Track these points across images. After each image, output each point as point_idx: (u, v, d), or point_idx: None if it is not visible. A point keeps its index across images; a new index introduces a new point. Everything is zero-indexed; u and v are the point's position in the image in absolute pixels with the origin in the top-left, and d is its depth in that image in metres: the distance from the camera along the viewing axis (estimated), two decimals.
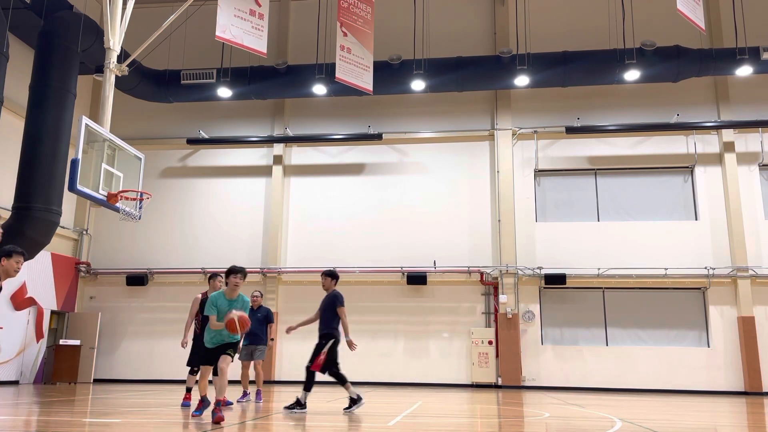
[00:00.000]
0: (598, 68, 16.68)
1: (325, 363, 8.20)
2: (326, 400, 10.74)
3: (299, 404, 8.04)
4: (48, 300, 17.15)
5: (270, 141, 19.05)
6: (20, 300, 16.13)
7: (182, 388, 14.41)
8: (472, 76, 17.20)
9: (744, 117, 17.55)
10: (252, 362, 10.41)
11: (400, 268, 17.37)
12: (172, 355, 17.65)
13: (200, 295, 9.14)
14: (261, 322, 10.27)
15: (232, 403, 9.05)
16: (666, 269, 16.90)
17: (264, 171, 19.22)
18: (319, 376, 8.43)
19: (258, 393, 10.30)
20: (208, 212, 19.18)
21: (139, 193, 10.42)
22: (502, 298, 17.07)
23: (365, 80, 13.92)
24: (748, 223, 17.01)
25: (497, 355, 16.92)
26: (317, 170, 19.07)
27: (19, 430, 6.02)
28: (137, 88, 17.44)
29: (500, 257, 17.45)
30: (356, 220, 18.35)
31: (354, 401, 8.22)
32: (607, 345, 17.06)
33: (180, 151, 19.69)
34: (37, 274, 16.72)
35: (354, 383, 16.57)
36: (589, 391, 15.75)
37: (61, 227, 16.81)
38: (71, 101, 12.51)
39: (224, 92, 17.62)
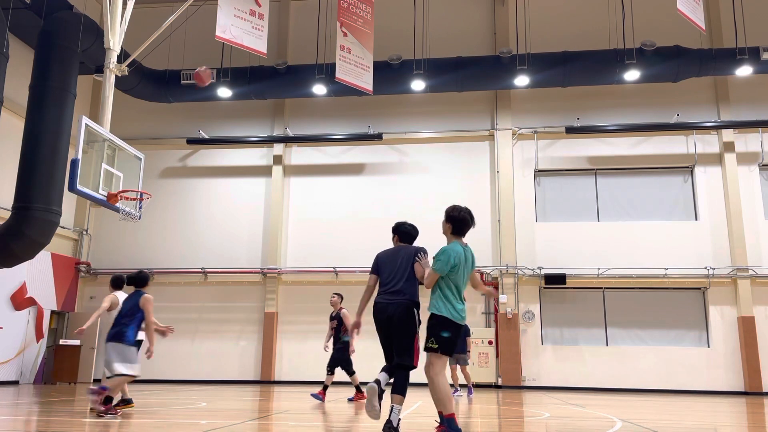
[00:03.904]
0: (598, 68, 16.67)
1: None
2: (327, 400, 10.74)
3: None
4: (48, 300, 17.15)
5: (270, 141, 19.04)
6: (20, 300, 16.12)
7: (181, 388, 14.41)
8: (472, 76, 17.19)
9: (744, 117, 17.54)
10: (458, 366, 12.83)
11: None
12: (172, 355, 17.64)
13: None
14: (463, 336, 12.70)
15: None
16: (666, 269, 16.89)
17: (264, 171, 19.21)
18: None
19: (469, 389, 12.85)
20: (208, 212, 19.17)
21: (139, 193, 10.43)
22: (502, 298, 17.07)
23: (365, 80, 13.92)
24: (748, 223, 16.99)
25: (497, 355, 16.91)
26: (317, 170, 19.07)
27: (19, 430, 6.02)
28: (137, 88, 17.43)
29: (500, 257, 17.45)
30: (356, 220, 18.34)
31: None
32: (607, 345, 17.05)
33: (180, 151, 19.68)
34: (37, 274, 16.72)
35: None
36: (589, 391, 15.75)
37: (61, 227, 16.79)
38: (71, 101, 12.49)
39: (224, 92, 17.63)
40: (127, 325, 7.43)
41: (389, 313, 5.27)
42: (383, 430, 4.94)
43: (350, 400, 10.48)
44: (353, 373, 10.44)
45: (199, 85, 9.15)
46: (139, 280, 7.81)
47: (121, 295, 8.40)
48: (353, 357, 10.39)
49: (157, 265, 18.66)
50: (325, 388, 10.52)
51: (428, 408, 9.31)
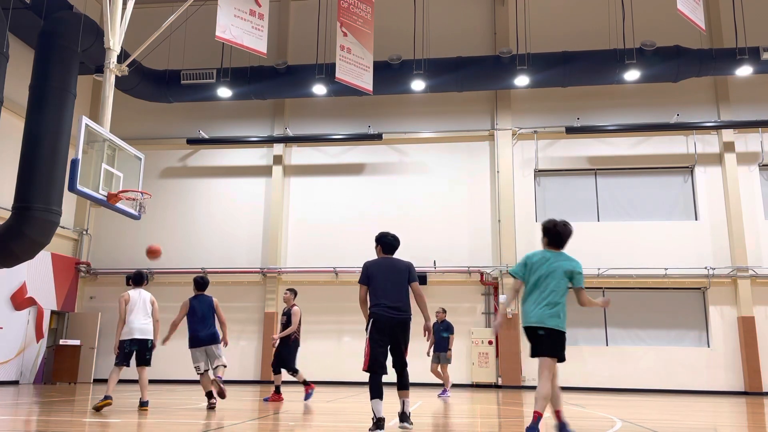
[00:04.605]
0: (598, 68, 16.67)
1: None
2: (326, 400, 10.74)
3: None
4: (48, 300, 17.14)
5: (270, 141, 19.04)
6: (20, 300, 16.12)
7: (181, 388, 14.40)
8: (472, 76, 17.19)
9: (744, 117, 17.53)
10: (439, 365, 12.73)
11: None
12: (172, 356, 17.62)
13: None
14: (444, 333, 12.68)
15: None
16: (666, 269, 16.89)
17: (264, 171, 19.21)
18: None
19: (444, 391, 12.51)
20: (208, 212, 19.17)
21: (139, 193, 10.44)
22: (502, 298, 17.07)
23: (365, 80, 13.91)
24: (748, 223, 16.99)
25: (497, 355, 16.91)
26: (317, 170, 19.06)
27: (19, 430, 6.02)
28: (137, 88, 17.43)
29: (500, 257, 17.44)
30: (356, 220, 18.33)
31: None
32: (607, 345, 17.05)
33: (180, 151, 19.68)
34: (37, 274, 16.71)
35: (354, 384, 16.52)
36: (589, 391, 15.74)
37: (61, 227, 16.78)
38: (71, 101, 12.49)
39: (224, 92, 17.63)
40: (214, 326, 8.77)
41: (393, 327, 5.87)
42: (400, 419, 5.79)
43: (266, 400, 10.27)
44: (279, 372, 10.33)
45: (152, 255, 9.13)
46: (204, 284, 8.97)
47: (134, 293, 8.42)
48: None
49: (157, 265, 18.64)
50: (305, 382, 10.33)
51: (428, 408, 9.31)
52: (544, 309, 5.21)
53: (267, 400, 10.26)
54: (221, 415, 7.56)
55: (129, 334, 8.27)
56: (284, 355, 10.28)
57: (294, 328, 10.26)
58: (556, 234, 5.39)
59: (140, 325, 8.34)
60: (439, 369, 12.69)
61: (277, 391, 10.34)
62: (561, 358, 5.19)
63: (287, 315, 10.42)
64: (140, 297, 8.45)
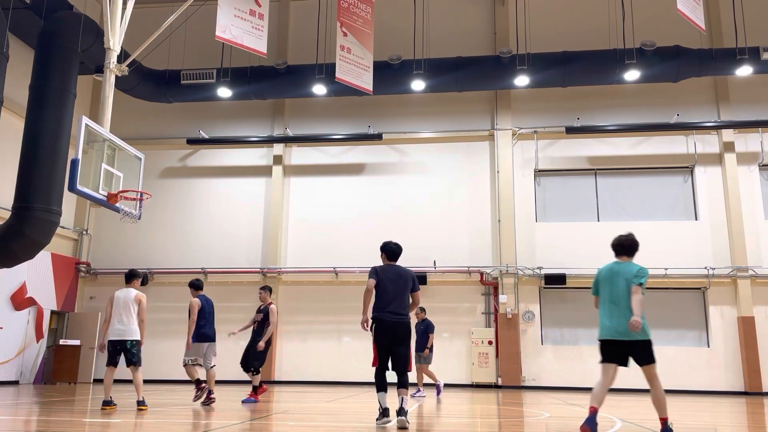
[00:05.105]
0: (598, 68, 16.67)
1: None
2: (326, 400, 10.74)
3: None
4: (48, 300, 17.15)
5: (270, 141, 19.05)
6: (20, 300, 16.12)
7: (181, 388, 14.40)
8: (472, 76, 17.19)
9: (744, 117, 17.54)
10: (420, 365, 12.59)
11: None
12: (172, 356, 17.63)
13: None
14: (423, 332, 12.52)
15: None
16: (666, 269, 16.89)
17: (264, 171, 19.21)
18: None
19: (438, 390, 12.64)
20: (208, 212, 19.17)
21: (139, 193, 10.43)
22: (502, 298, 17.07)
23: (365, 80, 13.91)
24: (748, 223, 16.99)
25: (497, 355, 16.91)
26: (317, 170, 19.07)
27: (19, 430, 6.02)
28: (137, 88, 17.43)
29: (500, 257, 17.44)
30: (356, 220, 18.34)
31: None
32: None
33: (180, 151, 19.68)
34: (37, 274, 16.72)
35: (354, 384, 16.53)
36: (589, 391, 15.72)
37: (61, 227, 16.79)
38: (71, 101, 12.48)
39: (224, 92, 17.63)
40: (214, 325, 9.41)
41: (395, 330, 6.50)
42: (397, 413, 6.20)
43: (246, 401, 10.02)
44: (259, 372, 10.10)
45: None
46: (202, 285, 9.61)
47: (120, 293, 8.36)
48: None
49: (157, 265, 18.67)
50: (254, 388, 10.13)
51: (428, 408, 9.31)
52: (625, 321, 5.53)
53: (255, 401, 10.08)
54: (221, 416, 7.56)
55: (108, 336, 8.24)
56: (253, 352, 10.05)
57: (275, 327, 10.16)
58: (615, 245, 5.77)
59: (118, 327, 8.21)
60: (424, 370, 12.61)
61: (258, 387, 10.17)
62: (645, 362, 5.69)
63: (264, 313, 10.20)
64: (123, 297, 8.32)
